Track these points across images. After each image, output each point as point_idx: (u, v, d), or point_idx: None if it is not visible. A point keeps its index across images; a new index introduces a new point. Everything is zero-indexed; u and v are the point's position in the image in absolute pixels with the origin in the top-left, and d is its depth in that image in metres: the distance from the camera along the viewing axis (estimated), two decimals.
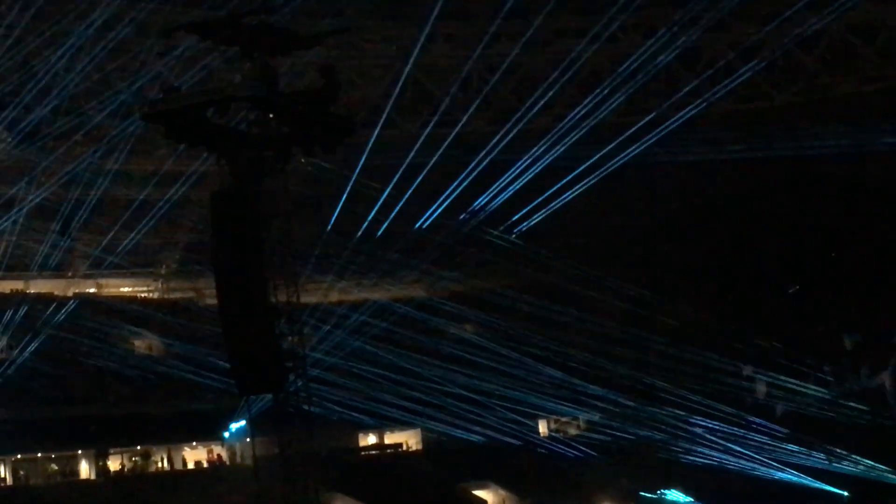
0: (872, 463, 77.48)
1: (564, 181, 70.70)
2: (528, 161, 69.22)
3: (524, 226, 74.77)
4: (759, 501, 75.06)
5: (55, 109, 68.93)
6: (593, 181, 70.24)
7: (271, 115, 39.16)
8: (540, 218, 73.39)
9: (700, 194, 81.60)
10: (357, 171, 69.02)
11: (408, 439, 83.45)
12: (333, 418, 69.28)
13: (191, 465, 76.85)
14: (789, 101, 75.53)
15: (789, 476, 77.44)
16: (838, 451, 78.49)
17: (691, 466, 78.57)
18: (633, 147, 69.07)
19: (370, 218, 72.39)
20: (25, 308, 72.13)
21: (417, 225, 73.23)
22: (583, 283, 77.90)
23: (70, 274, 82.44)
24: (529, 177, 69.44)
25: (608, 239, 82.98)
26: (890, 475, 76.31)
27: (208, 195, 40.75)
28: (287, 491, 39.50)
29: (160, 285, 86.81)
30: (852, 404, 78.59)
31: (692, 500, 79.34)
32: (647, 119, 69.74)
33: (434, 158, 68.05)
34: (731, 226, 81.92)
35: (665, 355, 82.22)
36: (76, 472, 73.01)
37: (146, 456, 75.31)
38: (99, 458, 73.03)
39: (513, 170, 69.51)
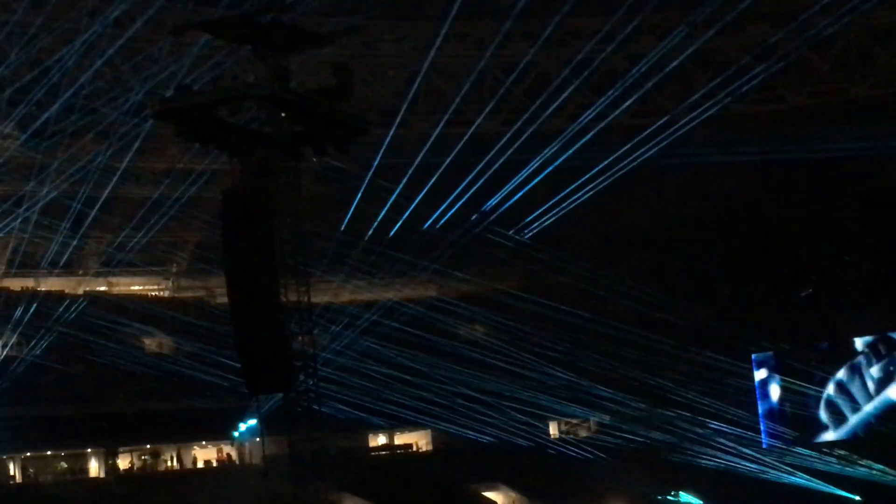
0: (884, 468, 77.30)
1: (577, 183, 70.62)
2: (541, 162, 69.15)
3: (535, 226, 74.70)
4: None
5: (66, 107, 68.87)
6: (606, 182, 70.15)
7: (283, 114, 38.97)
8: (552, 219, 73.29)
9: (712, 196, 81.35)
10: (372, 170, 68.93)
11: (418, 440, 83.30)
12: (343, 418, 69.05)
13: (200, 465, 76.79)
14: (803, 104, 75.32)
15: (801, 480, 77.22)
16: (851, 455, 78.36)
17: (702, 469, 78.37)
18: (646, 148, 69.01)
19: (381, 217, 72.34)
20: (36, 306, 72.05)
21: (427, 224, 73.16)
22: (594, 285, 77.80)
23: (81, 272, 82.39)
24: (541, 177, 69.35)
25: (620, 240, 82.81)
26: None
27: (220, 194, 40.58)
28: (297, 491, 39.34)
29: (171, 284, 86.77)
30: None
31: (702, 503, 79.14)
32: (661, 122, 69.62)
33: (448, 159, 67.98)
34: (744, 228, 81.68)
35: (676, 357, 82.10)
36: (85, 471, 72.96)
37: (156, 455, 75.25)
38: (108, 457, 72.95)
39: (525, 170, 69.42)
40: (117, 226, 77.82)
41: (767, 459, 78.89)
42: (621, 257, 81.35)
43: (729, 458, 77.70)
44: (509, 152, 69.01)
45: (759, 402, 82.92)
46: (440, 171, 68.50)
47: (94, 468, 73.09)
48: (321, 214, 68.55)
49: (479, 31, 74.12)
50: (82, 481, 71.51)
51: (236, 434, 75.53)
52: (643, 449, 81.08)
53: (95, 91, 69.53)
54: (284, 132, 39.27)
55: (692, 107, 70.03)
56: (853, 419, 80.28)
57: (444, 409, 75.04)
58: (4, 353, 72.94)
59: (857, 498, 76.67)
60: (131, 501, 69.57)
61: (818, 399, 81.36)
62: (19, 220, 73.24)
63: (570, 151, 68.62)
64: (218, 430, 75.71)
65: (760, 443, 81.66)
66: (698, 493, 78.58)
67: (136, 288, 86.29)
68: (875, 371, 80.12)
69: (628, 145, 69.28)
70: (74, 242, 77.23)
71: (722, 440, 78.42)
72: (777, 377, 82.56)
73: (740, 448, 78.47)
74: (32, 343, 71.26)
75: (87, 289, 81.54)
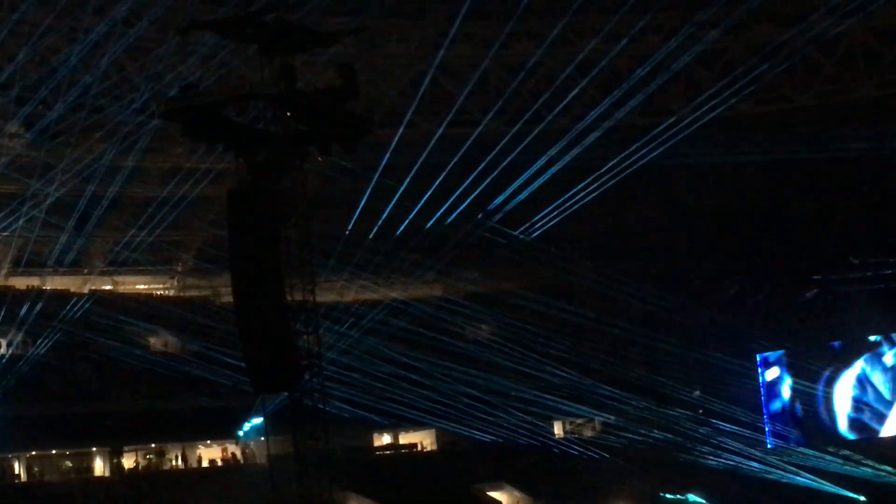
0: (890, 468, 77.30)
1: (583, 182, 70.63)
2: (546, 161, 69.16)
3: (540, 226, 74.66)
4: None
5: (73, 106, 68.92)
6: (611, 182, 70.16)
7: (289, 114, 38.99)
8: (557, 219, 73.29)
9: (718, 196, 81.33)
10: (379, 171, 68.92)
11: (422, 439, 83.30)
12: (348, 418, 69.12)
13: (205, 464, 76.83)
14: (809, 104, 75.27)
15: (806, 480, 77.24)
16: (855, 455, 78.38)
17: (707, 469, 78.42)
18: (651, 148, 68.97)
19: (384, 216, 72.33)
20: (41, 304, 72.11)
21: (429, 224, 73.13)
22: (599, 284, 77.84)
23: (86, 271, 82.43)
24: (547, 177, 69.35)
25: (625, 240, 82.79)
26: None
27: (225, 193, 40.59)
28: (301, 490, 39.37)
29: (176, 283, 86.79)
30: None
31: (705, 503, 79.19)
32: (667, 122, 69.60)
33: (455, 159, 67.97)
34: (750, 228, 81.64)
35: (681, 357, 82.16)
36: (90, 469, 72.97)
37: (161, 454, 75.29)
38: (113, 456, 72.98)
39: (531, 170, 69.41)
40: (123, 225, 77.85)
41: (772, 459, 78.94)
42: (627, 257, 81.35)
43: (734, 458, 77.77)
44: (516, 152, 68.99)
45: (764, 402, 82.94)
46: (446, 170, 68.53)
47: (99, 467, 73.13)
48: (327, 214, 68.51)
49: (484, 31, 74.03)
50: (87, 480, 71.53)
51: (241, 433, 75.56)
52: (648, 449, 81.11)
53: (102, 90, 69.53)
54: (290, 132, 39.29)
55: (698, 107, 69.96)
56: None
57: (448, 408, 75.08)
58: (10, 351, 73.04)
59: (862, 498, 76.68)
60: (136, 500, 69.65)
61: (829, 398, 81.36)
62: (25, 218, 73.31)
63: (576, 151, 68.58)
64: (223, 430, 75.72)
65: (765, 443, 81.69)
66: (704, 492, 78.57)
67: (142, 287, 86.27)
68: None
69: (635, 146, 69.26)
70: (80, 241, 77.31)
71: (727, 440, 78.48)
72: (787, 376, 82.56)
73: (745, 448, 78.54)
74: (38, 342, 71.28)
75: (93, 287, 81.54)
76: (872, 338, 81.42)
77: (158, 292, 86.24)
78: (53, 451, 72.32)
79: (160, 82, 67.45)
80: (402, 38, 75.26)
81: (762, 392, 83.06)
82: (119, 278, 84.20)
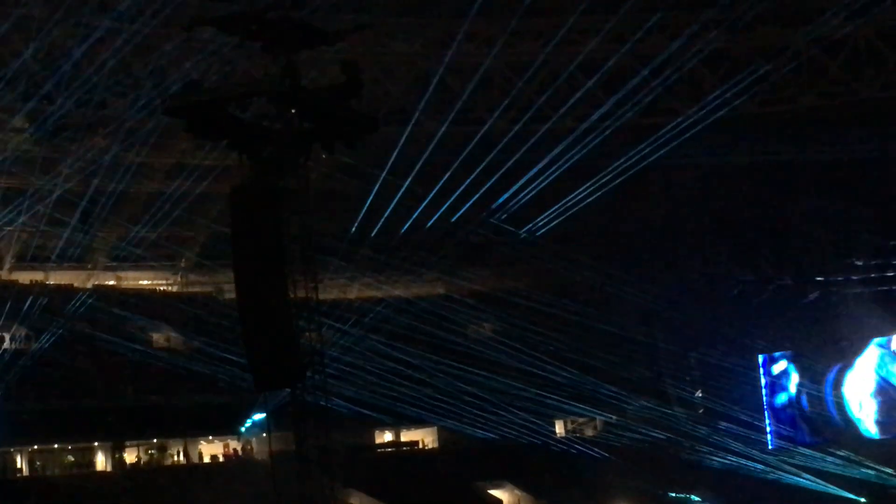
0: (892, 470, 77.32)
1: (587, 181, 70.64)
2: (550, 160, 69.14)
3: (541, 223, 74.66)
4: None
5: (77, 101, 68.95)
6: (616, 182, 70.18)
7: (293, 111, 39.00)
8: (561, 218, 73.30)
9: (722, 196, 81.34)
10: (387, 169, 68.91)
11: (424, 437, 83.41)
12: (350, 415, 69.15)
13: (207, 459, 76.92)
14: (813, 105, 75.18)
15: (807, 481, 77.27)
16: (855, 456, 78.39)
17: (708, 469, 78.47)
18: (655, 147, 68.97)
19: (387, 214, 72.33)
20: (45, 299, 72.19)
21: (431, 222, 73.14)
22: (603, 284, 77.88)
23: (90, 266, 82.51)
24: (551, 175, 69.33)
25: (629, 239, 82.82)
26: None
27: (228, 190, 40.61)
28: (303, 487, 39.38)
29: (179, 279, 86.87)
30: None
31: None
32: (672, 122, 69.58)
33: (459, 159, 67.99)
34: (752, 229, 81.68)
35: (684, 357, 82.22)
36: (92, 464, 73.15)
37: (162, 449, 75.43)
38: (115, 451, 73.12)
39: (535, 169, 69.41)
40: (126, 220, 77.93)
41: (773, 460, 78.96)
42: (630, 256, 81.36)
43: (735, 458, 77.81)
44: (522, 151, 69.01)
45: (769, 398, 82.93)
46: (452, 169, 68.54)
47: (101, 462, 73.29)
48: (330, 211, 68.54)
49: (489, 30, 74.00)
50: (89, 475, 71.69)
51: (243, 430, 75.63)
52: (649, 448, 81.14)
53: (106, 86, 69.55)
54: (294, 129, 39.29)
55: (702, 107, 69.94)
56: None
57: (450, 406, 75.14)
58: (13, 346, 73.12)
59: (863, 500, 76.72)
60: (137, 495, 69.67)
61: (837, 398, 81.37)
62: (29, 213, 73.41)
63: (580, 151, 68.55)
64: (225, 426, 75.83)
65: (766, 443, 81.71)
66: (706, 492, 78.60)
67: (145, 283, 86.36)
68: None
69: (638, 146, 69.26)
70: (84, 236, 77.39)
71: (729, 440, 78.52)
72: (793, 370, 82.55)
73: (747, 448, 78.58)
74: (41, 337, 71.35)
75: (97, 283, 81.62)
76: (878, 340, 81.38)
77: (162, 288, 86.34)
78: (55, 446, 72.45)
79: (164, 79, 67.56)
80: (406, 35, 75.20)
81: (765, 391, 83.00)
82: (122, 274, 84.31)
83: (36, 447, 71.61)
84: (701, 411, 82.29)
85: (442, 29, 73.97)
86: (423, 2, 73.30)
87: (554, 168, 69.14)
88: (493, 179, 69.98)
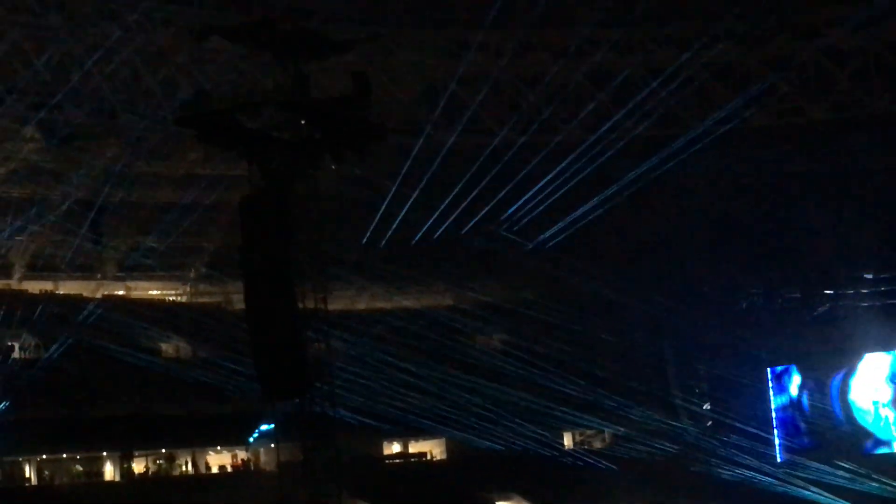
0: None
1: (598, 195, 70.62)
2: (559, 171, 69.11)
3: (549, 233, 74.63)
4: None
5: (88, 111, 69.09)
6: (625, 194, 70.17)
7: (303, 121, 39.10)
8: (570, 231, 73.25)
9: (731, 209, 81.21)
10: (399, 180, 68.89)
11: (432, 448, 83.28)
12: (358, 426, 69.08)
13: (215, 470, 76.88)
14: (823, 117, 75.14)
15: (815, 494, 77.07)
16: (864, 470, 78.12)
17: (716, 481, 78.27)
18: (664, 159, 68.97)
19: (395, 225, 72.32)
20: (54, 309, 72.24)
21: (439, 232, 73.10)
22: (611, 296, 77.75)
23: (99, 276, 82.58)
24: (559, 186, 69.28)
25: (638, 251, 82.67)
26: None
27: (238, 199, 40.70)
28: (311, 497, 39.42)
29: (189, 289, 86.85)
30: None
31: None
32: (681, 134, 69.59)
33: (469, 172, 68.00)
34: (762, 242, 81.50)
35: (692, 369, 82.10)
36: (100, 474, 73.16)
37: (171, 459, 75.40)
38: (123, 461, 73.15)
39: (544, 180, 69.38)
40: (136, 230, 78.01)
41: (782, 473, 78.77)
42: (639, 268, 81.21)
43: (744, 470, 77.64)
44: (533, 163, 69.02)
45: (775, 414, 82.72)
46: (463, 181, 68.56)
47: (109, 472, 73.30)
48: (339, 222, 68.58)
49: (498, 41, 74.06)
50: (97, 484, 71.72)
51: (251, 440, 75.59)
52: (657, 460, 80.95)
53: (117, 96, 69.68)
54: (303, 138, 39.39)
55: (712, 119, 69.94)
56: None
57: (458, 417, 75.06)
58: (22, 355, 73.18)
59: None
60: None
61: (845, 406, 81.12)
62: (40, 222, 73.51)
63: (590, 162, 68.54)
64: (233, 436, 75.78)
65: (775, 456, 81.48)
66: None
67: (155, 293, 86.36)
68: None
69: (648, 158, 69.26)
70: (94, 246, 77.47)
71: (737, 453, 78.36)
72: (799, 389, 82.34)
73: (755, 460, 78.40)
74: (50, 346, 71.40)
75: (106, 293, 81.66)
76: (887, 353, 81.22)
77: (171, 298, 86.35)
78: (64, 455, 72.49)
79: (175, 89, 67.68)
80: (416, 46, 75.26)
81: (773, 403, 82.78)
82: (132, 284, 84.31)
83: (44, 456, 71.68)
84: (709, 424, 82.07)
85: (451, 39, 74.05)
86: (433, 12, 73.35)
87: (563, 179, 69.12)
88: (504, 191, 69.96)
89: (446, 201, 69.79)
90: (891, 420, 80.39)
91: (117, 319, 74.17)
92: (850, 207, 78.39)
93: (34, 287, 79.15)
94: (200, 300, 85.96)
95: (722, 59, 72.35)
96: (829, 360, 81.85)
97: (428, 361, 75.54)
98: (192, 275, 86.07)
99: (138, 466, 74.09)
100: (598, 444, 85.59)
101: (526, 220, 72.67)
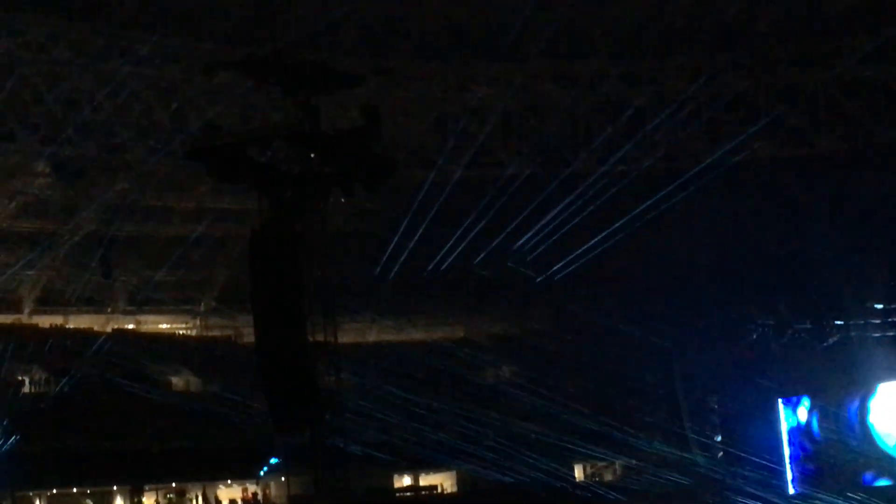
0: None
1: (607, 225, 70.63)
2: (569, 203, 69.17)
3: (561, 265, 74.60)
4: None
5: (98, 145, 69.32)
6: (636, 225, 70.19)
7: (312, 154, 39.12)
8: (581, 261, 73.24)
9: (740, 240, 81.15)
10: (412, 211, 68.94)
11: (443, 481, 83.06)
12: (368, 459, 68.93)
13: (225, 503, 76.75)
14: (832, 148, 75.17)
15: None
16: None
17: None
18: (672, 190, 68.99)
19: (404, 258, 72.35)
20: (64, 343, 72.27)
21: (447, 262, 73.11)
22: (622, 327, 77.65)
23: (109, 309, 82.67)
24: (572, 220, 69.33)
25: (648, 283, 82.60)
26: None
27: (248, 233, 40.71)
28: None
29: (198, 322, 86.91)
30: None
31: None
32: (689, 166, 69.67)
33: (482, 204, 68.08)
34: (771, 273, 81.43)
35: (701, 401, 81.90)
36: None
37: (181, 493, 75.26)
38: (134, 495, 73.00)
39: (554, 212, 69.44)
40: (146, 264, 78.12)
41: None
42: (649, 299, 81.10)
43: (755, 502, 77.30)
44: (544, 194, 69.07)
45: (788, 447, 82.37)
46: (474, 214, 68.63)
47: None
48: (349, 254, 68.64)
49: (507, 73, 74.27)
50: None
51: (262, 473, 75.45)
52: (669, 492, 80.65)
53: (126, 130, 69.91)
54: (313, 172, 39.40)
55: (721, 150, 70.02)
56: None
57: (469, 450, 74.88)
58: (32, 389, 73.20)
59: None
60: None
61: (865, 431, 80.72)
62: (49, 257, 73.65)
63: (598, 194, 68.59)
64: (243, 469, 75.63)
65: (787, 488, 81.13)
66: None
67: (164, 326, 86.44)
68: None
69: (662, 191, 69.29)
70: (103, 280, 77.56)
71: (749, 484, 78.04)
72: (810, 419, 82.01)
73: (767, 493, 78.06)
74: (60, 380, 71.41)
75: (116, 326, 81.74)
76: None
77: (181, 332, 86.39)
78: (74, 490, 72.36)
79: (185, 122, 67.90)
80: (426, 78, 75.46)
81: (785, 435, 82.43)
82: (142, 317, 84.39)
83: (54, 490, 71.54)
84: (720, 455, 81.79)
85: (461, 72, 74.26)
86: (443, 45, 73.61)
87: (572, 210, 69.16)
88: (515, 222, 70.00)
89: (457, 233, 69.83)
90: None
91: (127, 353, 74.23)
92: (859, 238, 78.33)
93: (44, 321, 79.25)
94: (210, 333, 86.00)
95: (731, 90, 72.46)
96: (842, 389, 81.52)
97: (438, 393, 75.46)
98: (201, 308, 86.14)
99: (149, 501, 73.94)
100: (609, 477, 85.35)
101: (536, 251, 72.67)
